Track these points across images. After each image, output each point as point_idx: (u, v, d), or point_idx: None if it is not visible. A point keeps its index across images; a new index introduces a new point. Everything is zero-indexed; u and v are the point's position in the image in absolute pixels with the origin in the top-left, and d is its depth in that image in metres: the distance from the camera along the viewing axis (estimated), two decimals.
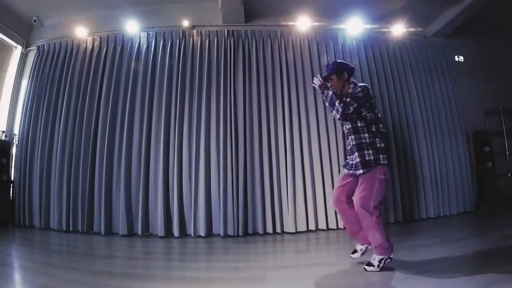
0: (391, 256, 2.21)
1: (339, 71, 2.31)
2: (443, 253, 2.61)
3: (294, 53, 4.44)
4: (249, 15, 4.57)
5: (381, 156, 2.18)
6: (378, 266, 2.16)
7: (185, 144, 4.05)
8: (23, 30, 4.85)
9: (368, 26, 4.72)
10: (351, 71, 2.36)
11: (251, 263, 2.47)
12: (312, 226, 3.94)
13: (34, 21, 4.80)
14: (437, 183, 4.55)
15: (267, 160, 4.04)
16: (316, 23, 4.60)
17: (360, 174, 2.21)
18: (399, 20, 4.75)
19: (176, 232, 3.81)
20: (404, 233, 3.73)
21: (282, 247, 3.22)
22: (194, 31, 4.43)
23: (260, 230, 3.85)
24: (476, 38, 5.33)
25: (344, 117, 2.21)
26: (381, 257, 2.17)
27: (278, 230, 3.89)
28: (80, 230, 3.97)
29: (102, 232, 3.87)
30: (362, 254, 2.37)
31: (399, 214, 4.21)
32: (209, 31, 4.40)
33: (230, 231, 3.79)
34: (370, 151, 2.19)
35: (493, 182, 4.93)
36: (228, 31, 4.39)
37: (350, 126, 2.28)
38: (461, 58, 5.32)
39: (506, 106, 5.09)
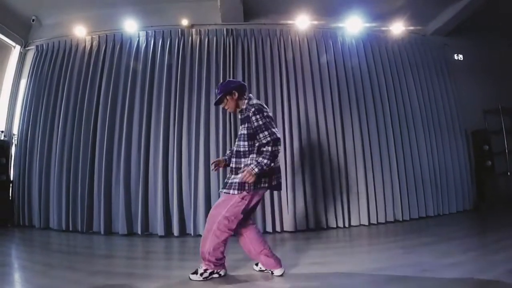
0: (219, 272, 2.21)
1: (229, 92, 2.24)
2: (442, 252, 2.62)
3: (294, 51, 4.43)
4: (248, 14, 4.57)
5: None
6: (201, 275, 2.16)
7: (184, 143, 4.04)
8: (22, 30, 4.83)
9: (368, 24, 4.72)
10: (240, 88, 2.27)
11: (251, 262, 2.47)
12: (312, 225, 3.95)
13: (33, 20, 4.80)
14: (436, 182, 4.56)
15: None
16: (315, 22, 4.60)
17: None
18: (398, 19, 4.75)
19: (175, 231, 3.81)
20: (404, 231, 3.74)
21: (282, 246, 3.22)
22: (193, 30, 4.42)
23: (259, 229, 3.84)
24: (475, 37, 5.33)
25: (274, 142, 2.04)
26: (206, 268, 2.17)
27: (278, 229, 3.89)
28: (79, 230, 3.98)
29: (102, 232, 3.88)
30: (262, 271, 2.32)
31: (398, 212, 4.23)
32: (208, 30, 4.39)
33: None
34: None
35: (493, 181, 4.95)
36: (227, 29, 4.38)
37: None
38: (461, 57, 5.33)
39: (505, 105, 5.11)
